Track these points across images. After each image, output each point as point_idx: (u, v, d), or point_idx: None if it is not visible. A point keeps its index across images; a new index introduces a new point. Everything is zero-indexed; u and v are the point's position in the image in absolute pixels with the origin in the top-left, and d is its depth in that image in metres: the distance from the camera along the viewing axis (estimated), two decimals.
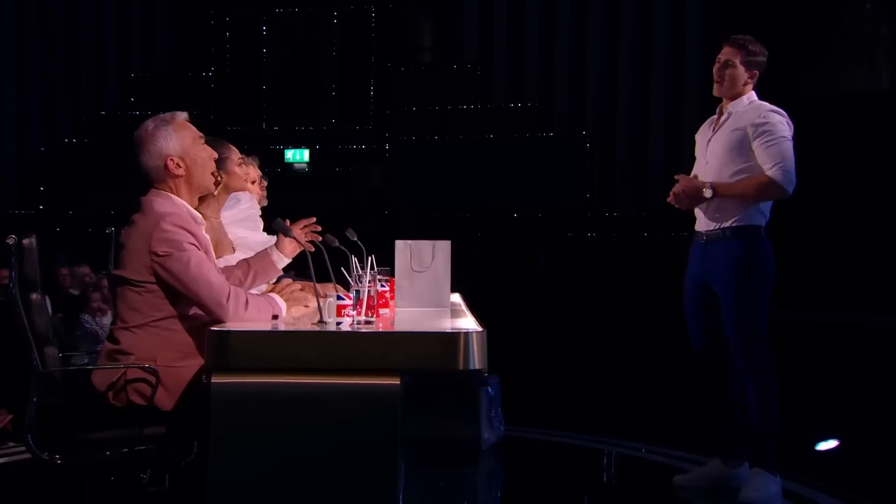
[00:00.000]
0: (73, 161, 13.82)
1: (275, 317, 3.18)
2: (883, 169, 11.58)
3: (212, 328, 2.85)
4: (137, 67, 14.55)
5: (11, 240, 3.27)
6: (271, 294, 3.33)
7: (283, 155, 13.51)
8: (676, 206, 4.49)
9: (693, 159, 4.68)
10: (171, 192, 3.26)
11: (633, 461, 4.94)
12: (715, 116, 4.57)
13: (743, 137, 4.35)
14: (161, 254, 3.10)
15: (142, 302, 3.15)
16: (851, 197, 11.67)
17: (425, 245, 3.79)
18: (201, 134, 3.33)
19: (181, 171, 3.24)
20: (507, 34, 13.72)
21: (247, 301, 3.12)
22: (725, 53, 4.46)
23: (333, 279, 3.25)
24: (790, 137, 4.35)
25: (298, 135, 13.73)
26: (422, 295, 3.74)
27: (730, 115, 4.45)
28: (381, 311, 3.30)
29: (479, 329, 2.87)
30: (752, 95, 4.49)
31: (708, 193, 4.33)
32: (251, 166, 4.25)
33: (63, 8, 14.70)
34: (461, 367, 2.80)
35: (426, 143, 13.24)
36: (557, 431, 6.02)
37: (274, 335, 2.96)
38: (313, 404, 2.79)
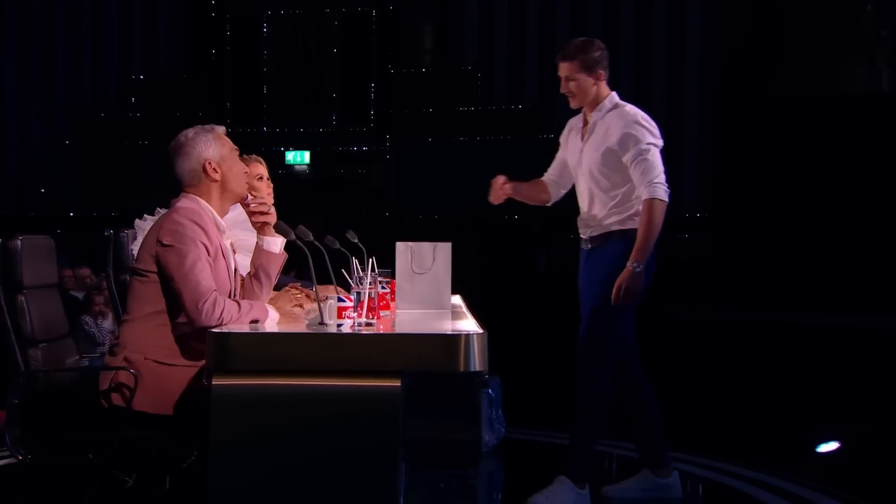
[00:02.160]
0: (73, 163, 13.82)
1: (254, 321, 3.17)
2: (884, 171, 11.59)
3: (212, 330, 2.85)
4: (138, 69, 14.55)
5: None
6: (266, 305, 3.32)
7: (283, 157, 13.52)
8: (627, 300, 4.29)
9: (550, 160, 4.65)
10: (202, 197, 3.29)
11: (633, 463, 4.92)
12: (580, 125, 4.47)
13: (611, 152, 4.26)
14: (165, 243, 3.13)
15: (144, 292, 3.19)
16: (852, 199, 11.68)
17: (426, 247, 3.79)
18: (236, 147, 3.40)
19: (217, 176, 3.30)
20: (507, 36, 13.73)
21: (223, 310, 3.09)
22: (563, 70, 4.35)
23: (334, 281, 3.24)
24: (657, 144, 4.25)
25: (299, 137, 13.74)
26: (422, 297, 3.73)
27: (595, 123, 4.35)
28: (382, 312, 3.30)
29: (480, 331, 2.87)
30: (614, 97, 4.37)
31: (640, 268, 4.19)
32: (257, 164, 4.25)
33: (64, 10, 14.71)
34: (462, 368, 2.80)
35: (427, 145, 13.24)
36: (558, 433, 6.01)
37: (274, 337, 2.96)
38: (314, 406, 2.79)
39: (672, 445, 4.55)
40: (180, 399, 3.11)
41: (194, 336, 3.14)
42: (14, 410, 3.17)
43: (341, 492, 2.78)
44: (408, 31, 14.16)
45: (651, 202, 4.17)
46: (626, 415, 4.50)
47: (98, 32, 14.70)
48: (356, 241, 3.74)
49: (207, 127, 3.35)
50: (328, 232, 3.59)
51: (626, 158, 4.22)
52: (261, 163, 4.32)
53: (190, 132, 3.33)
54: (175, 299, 3.13)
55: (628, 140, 4.21)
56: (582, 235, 4.45)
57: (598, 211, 4.34)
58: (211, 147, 3.30)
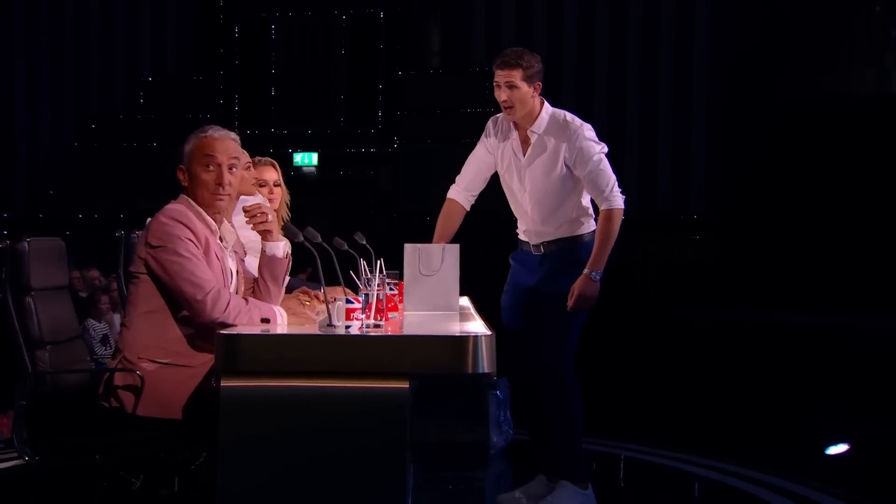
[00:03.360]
0: (82, 164, 13.85)
1: (265, 320, 3.17)
2: (892, 172, 11.55)
3: (220, 332, 2.85)
4: (147, 71, 14.58)
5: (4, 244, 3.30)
6: (273, 307, 3.32)
7: (291, 158, 13.52)
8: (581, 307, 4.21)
9: (461, 161, 4.62)
10: (191, 199, 3.31)
11: (641, 464, 4.93)
12: (514, 138, 4.35)
13: (560, 166, 4.23)
14: (154, 245, 3.15)
15: (137, 294, 3.21)
16: (861, 200, 11.65)
17: (434, 248, 3.79)
18: (213, 154, 3.29)
19: (185, 182, 3.31)
20: (515, 38, 13.72)
21: (229, 302, 3.11)
22: (503, 76, 4.21)
23: (342, 283, 3.25)
24: (604, 152, 4.24)
25: (307, 138, 13.74)
26: (431, 298, 3.73)
27: (538, 137, 4.27)
28: (390, 314, 3.30)
29: (488, 332, 2.87)
30: (548, 108, 4.29)
31: (598, 277, 4.16)
32: (269, 168, 4.25)
33: (73, 11, 14.74)
34: (470, 370, 2.80)
35: (434, 147, 13.23)
36: None
37: (283, 338, 2.96)
38: (322, 407, 2.79)
39: (679, 446, 4.54)
40: (181, 399, 3.11)
41: (195, 334, 3.15)
42: (22, 412, 3.17)
43: (349, 493, 2.78)
44: (415, 32, 14.16)
45: (610, 212, 4.18)
46: (538, 417, 4.39)
47: (106, 34, 14.73)
48: (364, 242, 3.74)
49: (203, 128, 3.35)
50: (336, 233, 3.59)
51: (580, 174, 4.21)
52: (274, 167, 4.32)
53: (190, 137, 3.36)
54: (176, 297, 3.14)
55: (580, 156, 4.19)
56: (529, 241, 4.41)
57: (548, 226, 4.32)
58: (186, 151, 3.31)
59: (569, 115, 4.29)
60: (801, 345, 8.99)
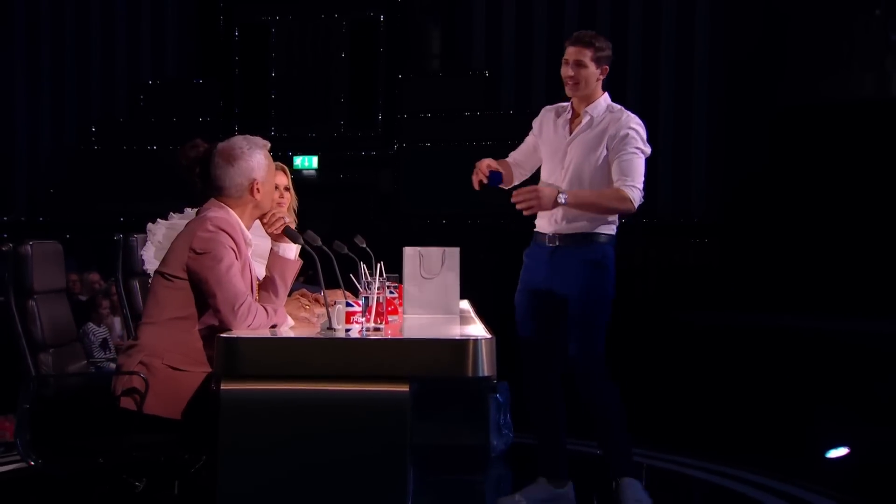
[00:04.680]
0: (82, 167, 13.85)
1: (273, 327, 3.21)
2: (893, 175, 11.55)
3: (221, 335, 2.85)
4: (147, 74, 14.58)
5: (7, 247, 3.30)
6: (285, 312, 3.35)
7: (291, 161, 13.51)
8: (523, 207, 4.23)
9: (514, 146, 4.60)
10: (234, 209, 3.34)
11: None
12: (568, 116, 4.38)
13: (602, 150, 4.22)
14: (199, 251, 3.17)
15: (169, 298, 3.21)
16: (862, 203, 11.65)
17: (434, 252, 3.79)
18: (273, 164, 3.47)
19: (259, 196, 3.36)
20: (515, 41, 13.73)
21: (256, 315, 3.17)
22: (573, 53, 4.28)
23: (342, 286, 3.25)
24: (646, 152, 4.24)
25: (307, 141, 13.74)
26: (431, 302, 3.74)
27: (590, 119, 4.28)
28: (390, 317, 3.30)
29: (489, 336, 2.87)
30: (608, 98, 4.35)
31: (562, 199, 4.13)
32: (277, 173, 4.25)
33: (73, 14, 14.74)
34: (470, 373, 2.80)
35: (435, 150, 13.23)
36: (567, 439, 6.00)
37: (283, 342, 2.97)
38: (322, 411, 2.79)
39: (681, 450, 4.54)
40: (191, 404, 3.12)
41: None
42: (25, 415, 3.17)
43: (350, 497, 2.78)
44: (416, 35, 14.16)
45: (621, 193, 4.13)
46: (549, 418, 4.42)
47: (107, 37, 14.73)
48: (364, 245, 3.74)
49: (260, 142, 3.41)
50: (336, 237, 3.59)
51: (613, 157, 4.18)
52: (284, 172, 4.33)
53: (245, 144, 3.38)
54: (209, 303, 3.16)
55: (620, 141, 4.17)
56: (545, 231, 4.35)
57: (571, 212, 4.25)
58: (262, 166, 3.37)
59: (628, 111, 4.30)
60: (800, 348, 8.99)
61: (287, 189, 4.33)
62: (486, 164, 4.37)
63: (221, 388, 2.78)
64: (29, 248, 3.34)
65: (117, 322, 7.43)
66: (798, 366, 8.52)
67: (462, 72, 13.76)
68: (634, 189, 4.14)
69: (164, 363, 3.15)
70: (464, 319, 3.64)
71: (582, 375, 4.24)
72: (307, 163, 13.71)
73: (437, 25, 14.17)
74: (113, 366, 3.33)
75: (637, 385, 8.21)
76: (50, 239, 3.61)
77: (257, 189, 3.34)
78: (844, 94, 12.12)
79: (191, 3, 14.64)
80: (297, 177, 13.48)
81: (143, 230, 4.19)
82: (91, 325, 7.33)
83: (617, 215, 4.28)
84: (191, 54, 14.67)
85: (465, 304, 4.08)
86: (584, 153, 4.24)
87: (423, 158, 13.27)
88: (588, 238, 4.24)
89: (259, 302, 3.31)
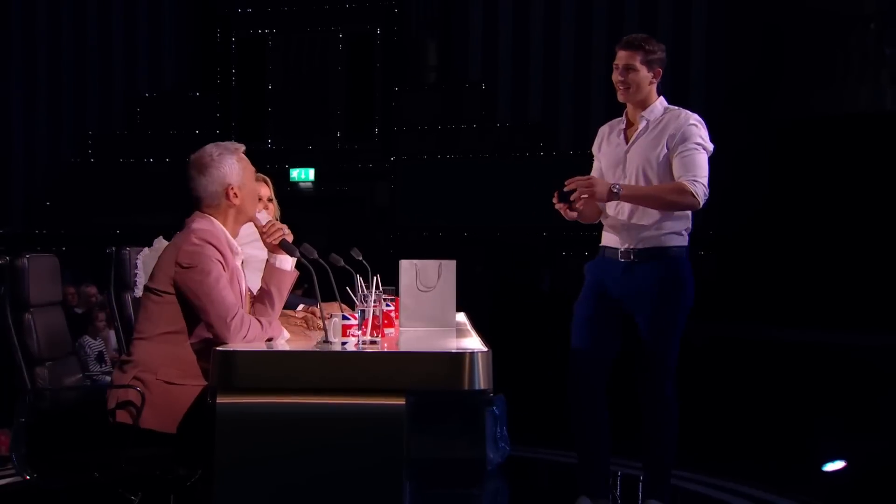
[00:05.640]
0: (79, 180, 13.85)
1: (269, 340, 3.20)
2: (888, 188, 11.58)
3: (217, 348, 2.85)
4: (144, 87, 14.61)
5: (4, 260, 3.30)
6: (279, 325, 3.33)
7: (288, 174, 13.53)
8: (577, 195, 3.99)
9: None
10: (216, 218, 3.30)
11: (639, 481, 4.90)
12: (622, 126, 4.21)
13: (663, 149, 4.05)
14: (185, 265, 3.14)
15: (158, 313, 3.19)
16: (858, 216, 11.66)
17: (431, 265, 3.79)
18: (254, 168, 3.42)
19: (237, 201, 3.31)
20: (512, 53, 13.76)
21: (250, 327, 3.15)
22: (623, 58, 4.15)
23: (339, 299, 3.25)
24: (708, 148, 4.07)
25: (304, 154, 13.76)
26: (427, 314, 3.73)
27: (647, 123, 4.12)
28: (387, 330, 3.30)
29: (485, 349, 2.87)
30: (664, 101, 4.17)
31: (616, 188, 3.95)
32: (259, 185, 4.25)
33: (70, 27, 14.78)
34: (466, 387, 2.80)
35: (431, 162, 13.25)
36: (563, 451, 6.00)
37: (279, 355, 2.96)
38: (318, 424, 2.78)
39: (678, 462, 4.53)
40: (187, 418, 3.11)
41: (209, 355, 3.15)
42: (21, 429, 3.16)
43: None
44: (412, 48, 14.20)
45: (683, 187, 3.95)
46: (595, 436, 4.25)
47: (104, 50, 14.76)
48: (360, 258, 3.74)
49: (231, 146, 3.35)
50: (332, 249, 3.59)
51: (674, 154, 4.02)
52: (267, 183, 4.33)
53: (214, 151, 3.32)
54: (199, 317, 3.13)
55: (681, 137, 4.01)
56: (616, 246, 4.15)
57: (640, 221, 4.08)
58: (235, 170, 3.30)
59: (687, 111, 4.14)
60: (797, 361, 8.99)
61: (270, 200, 4.32)
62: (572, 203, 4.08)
63: (217, 401, 2.78)
64: (25, 261, 3.34)
65: (113, 335, 7.42)
66: (795, 378, 8.52)
67: (459, 84, 13.79)
68: (696, 183, 3.96)
69: (158, 378, 3.14)
70: (460, 332, 3.63)
71: (649, 385, 4.13)
72: (304, 175, 13.72)
73: (434, 38, 14.20)
74: (108, 379, 3.32)
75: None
76: (47, 251, 3.61)
77: (234, 194, 3.29)
78: (839, 107, 12.16)
79: (188, 17, 14.68)
80: (294, 189, 13.52)
81: (140, 243, 4.19)
82: (87, 338, 7.30)
83: (686, 228, 4.14)
84: (188, 67, 14.70)
85: (461, 317, 4.08)
86: (645, 156, 4.08)
87: (420, 171, 13.29)
88: (661, 253, 4.09)
89: (254, 314, 3.30)
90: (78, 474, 3.16)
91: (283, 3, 14.04)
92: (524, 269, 12.40)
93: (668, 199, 4.00)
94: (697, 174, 3.98)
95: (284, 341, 3.27)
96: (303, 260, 3.20)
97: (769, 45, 12.73)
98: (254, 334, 3.15)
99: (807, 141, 12.13)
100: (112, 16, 14.75)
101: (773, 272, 11.88)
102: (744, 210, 12.41)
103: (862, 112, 12.07)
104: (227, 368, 2.79)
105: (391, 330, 3.46)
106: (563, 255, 12.47)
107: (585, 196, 4.00)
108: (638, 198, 4.02)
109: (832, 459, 5.79)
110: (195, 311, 3.14)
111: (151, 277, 3.26)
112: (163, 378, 3.13)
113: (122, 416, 3.15)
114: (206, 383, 3.13)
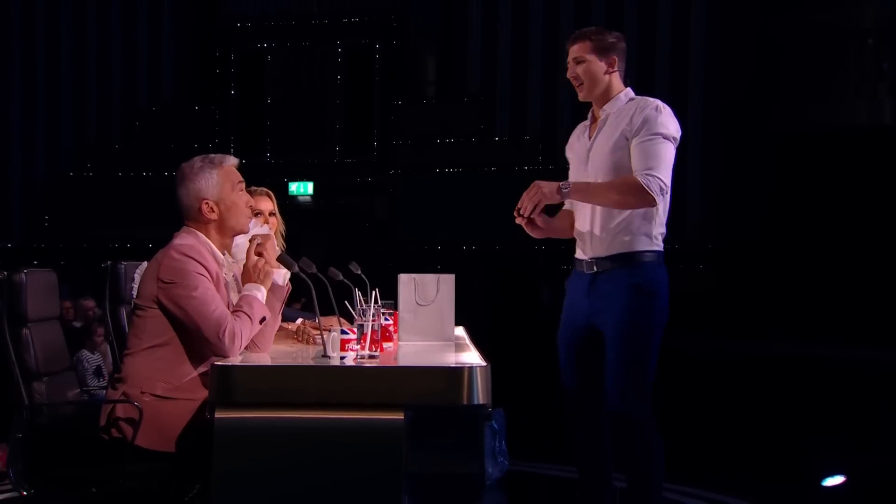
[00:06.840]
0: (77, 193, 13.86)
1: (262, 320, 3.18)
2: (887, 201, 11.59)
3: (215, 363, 2.84)
4: (143, 100, 14.63)
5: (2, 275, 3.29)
6: (258, 294, 3.29)
7: (287, 188, 13.54)
8: (528, 207, 3.70)
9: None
10: (199, 230, 3.27)
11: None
12: (587, 123, 3.86)
13: (622, 140, 3.65)
14: (166, 281, 3.12)
15: (143, 327, 3.17)
16: (855, 230, 11.68)
17: (429, 279, 3.78)
18: (242, 180, 3.34)
19: (214, 216, 3.25)
20: (510, 66, 13.80)
21: (241, 330, 3.12)
22: (572, 52, 3.81)
23: (337, 313, 3.24)
24: (671, 136, 3.63)
25: (303, 168, 13.78)
26: (426, 329, 3.72)
27: (607, 116, 3.75)
28: (385, 345, 3.29)
29: (483, 363, 2.86)
30: (630, 92, 3.78)
31: (565, 187, 3.61)
32: (264, 198, 4.25)
33: (70, 41, 14.81)
34: (465, 401, 2.80)
35: (430, 176, 13.27)
36: (562, 466, 5.98)
37: (277, 369, 2.95)
38: (317, 439, 2.77)
39: (674, 477, 4.50)
40: (179, 433, 3.09)
41: (203, 368, 3.14)
42: (18, 444, 3.15)
43: None
44: (411, 62, 14.23)
45: (636, 182, 3.52)
46: (592, 460, 3.94)
47: (103, 63, 14.79)
48: (359, 272, 3.74)
49: (217, 159, 3.29)
50: (331, 263, 3.58)
51: (633, 143, 3.60)
52: (270, 197, 4.32)
53: (196, 163, 3.27)
54: (191, 333, 3.11)
55: (640, 125, 3.62)
56: (582, 257, 3.81)
57: (605, 229, 3.68)
58: (211, 184, 3.24)
59: (654, 99, 3.74)
60: (794, 375, 8.98)
61: (272, 214, 4.31)
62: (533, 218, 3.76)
63: (215, 416, 2.77)
64: (23, 276, 3.33)
65: (108, 349, 7.40)
66: (792, 392, 8.51)
67: (457, 98, 13.82)
68: (651, 177, 3.51)
69: (145, 392, 3.12)
70: (459, 347, 3.62)
71: (621, 422, 3.68)
72: (303, 189, 13.74)
73: (433, 52, 14.24)
74: (114, 394, 3.30)
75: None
76: (45, 265, 3.61)
77: (210, 209, 3.22)
78: (837, 122, 12.19)
79: (187, 30, 14.72)
80: (293, 203, 13.53)
81: (139, 256, 4.18)
82: (85, 353, 7.29)
83: (661, 232, 3.67)
84: (187, 81, 14.73)
85: (460, 331, 4.07)
86: (604, 150, 3.70)
87: (419, 184, 13.30)
88: (628, 259, 3.63)
89: (233, 312, 3.24)
90: (75, 490, 3.14)
91: (282, 17, 14.09)
92: (523, 283, 12.40)
93: (618, 195, 3.57)
94: (654, 166, 3.54)
95: (283, 355, 3.26)
96: (301, 274, 3.20)
97: (767, 59, 12.76)
98: (247, 333, 3.12)
99: (804, 155, 12.16)
100: (111, 29, 14.79)
101: (772, 286, 11.89)
102: (742, 224, 12.42)
103: (860, 126, 12.11)
104: (224, 383, 2.78)
105: (390, 344, 3.45)
106: (562, 269, 12.46)
107: (538, 204, 3.70)
108: (587, 195, 3.66)
109: (832, 474, 5.78)
110: (185, 327, 3.12)
111: (138, 294, 3.25)
112: (149, 391, 3.11)
113: (115, 433, 3.14)
114: (191, 396, 3.12)
